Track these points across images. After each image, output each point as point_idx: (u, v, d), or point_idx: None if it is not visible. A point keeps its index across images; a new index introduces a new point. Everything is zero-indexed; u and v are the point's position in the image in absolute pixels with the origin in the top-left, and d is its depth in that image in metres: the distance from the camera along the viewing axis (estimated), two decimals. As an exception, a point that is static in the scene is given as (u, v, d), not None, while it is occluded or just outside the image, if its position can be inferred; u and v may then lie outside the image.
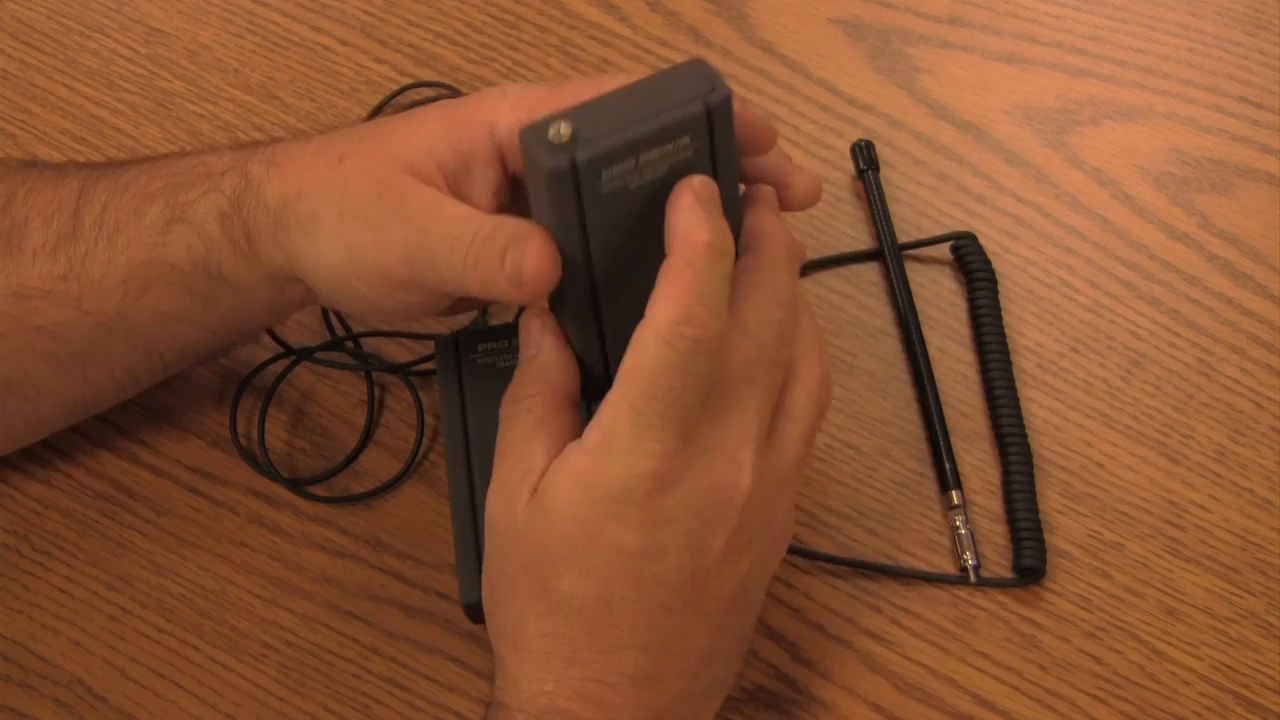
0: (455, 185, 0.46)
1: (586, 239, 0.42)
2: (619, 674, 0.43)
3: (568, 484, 0.42)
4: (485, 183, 0.46)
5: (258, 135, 0.64)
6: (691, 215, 0.41)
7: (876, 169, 0.61)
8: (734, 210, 0.46)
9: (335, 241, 0.47)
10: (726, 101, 0.42)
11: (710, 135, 0.43)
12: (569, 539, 0.42)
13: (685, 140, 0.42)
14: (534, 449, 0.44)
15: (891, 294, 0.59)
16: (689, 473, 0.42)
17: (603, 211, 0.42)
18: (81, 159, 0.64)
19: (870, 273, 0.60)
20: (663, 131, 0.41)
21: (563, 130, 0.40)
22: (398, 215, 0.45)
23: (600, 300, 0.44)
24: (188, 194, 0.49)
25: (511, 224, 0.43)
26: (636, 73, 0.47)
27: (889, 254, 0.59)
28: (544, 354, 0.45)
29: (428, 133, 0.47)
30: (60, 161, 0.53)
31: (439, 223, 0.44)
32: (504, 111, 0.46)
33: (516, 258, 0.41)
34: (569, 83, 0.47)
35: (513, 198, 0.47)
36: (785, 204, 0.48)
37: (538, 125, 0.40)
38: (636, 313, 0.42)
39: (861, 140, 0.62)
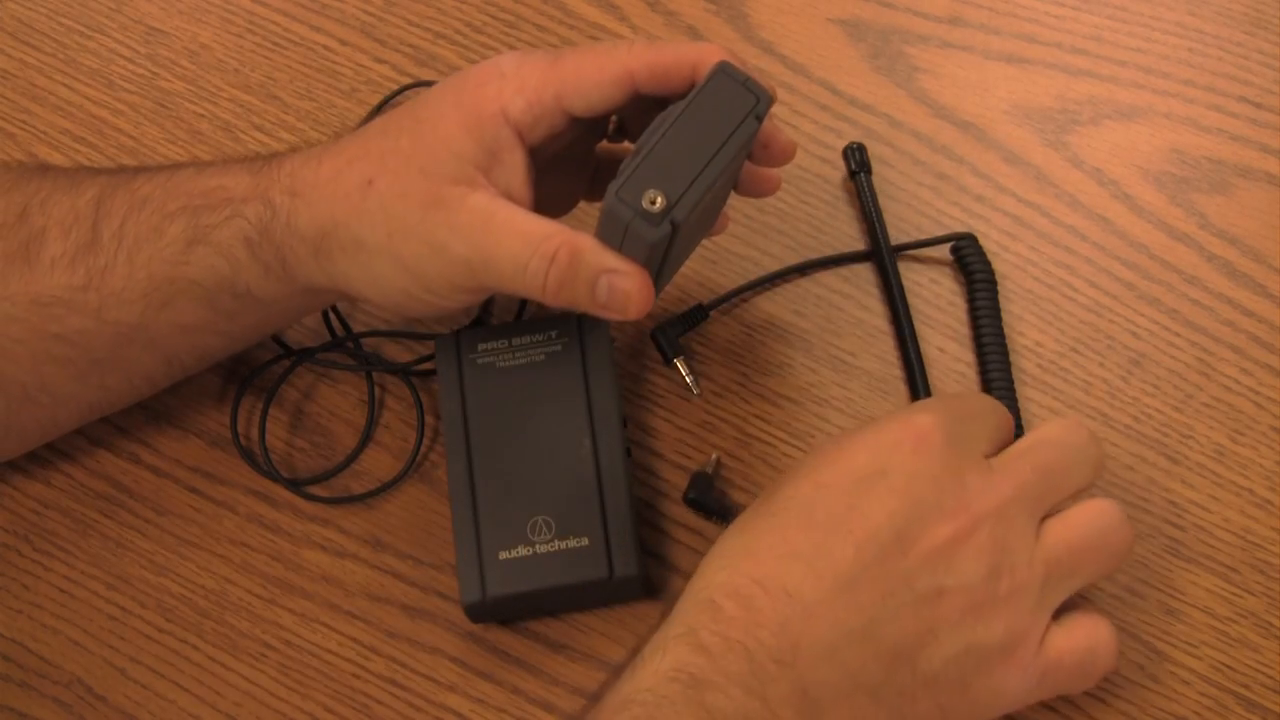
0: (490, 176, 0.48)
1: (666, 259, 0.47)
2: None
3: None
4: (515, 166, 0.48)
5: (258, 135, 0.64)
6: None
7: (869, 171, 0.61)
8: (731, 182, 0.51)
9: (391, 263, 0.48)
10: (770, 102, 0.46)
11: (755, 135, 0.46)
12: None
13: (744, 155, 0.46)
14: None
15: (888, 294, 0.59)
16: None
17: (680, 236, 0.46)
18: (82, 159, 0.64)
19: (869, 273, 0.60)
20: (731, 161, 0.45)
21: (658, 201, 0.44)
22: (453, 232, 0.47)
23: (663, 275, 0.50)
24: (209, 218, 0.49)
25: (588, 251, 0.46)
26: (633, 41, 0.48)
27: (884, 256, 0.59)
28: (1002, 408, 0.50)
29: (450, 138, 0.47)
30: (71, 167, 0.54)
31: (499, 243, 0.47)
32: (510, 96, 0.47)
33: (608, 290, 0.46)
34: (565, 58, 0.48)
35: (534, 165, 0.50)
36: (767, 160, 0.50)
37: (628, 196, 0.44)
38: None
39: (853, 143, 0.62)
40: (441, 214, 0.47)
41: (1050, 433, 0.48)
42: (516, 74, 0.48)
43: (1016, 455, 0.47)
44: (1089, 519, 0.47)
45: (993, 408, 0.49)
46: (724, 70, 0.45)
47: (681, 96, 0.46)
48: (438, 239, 0.47)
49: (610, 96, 0.48)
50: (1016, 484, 0.46)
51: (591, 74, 0.47)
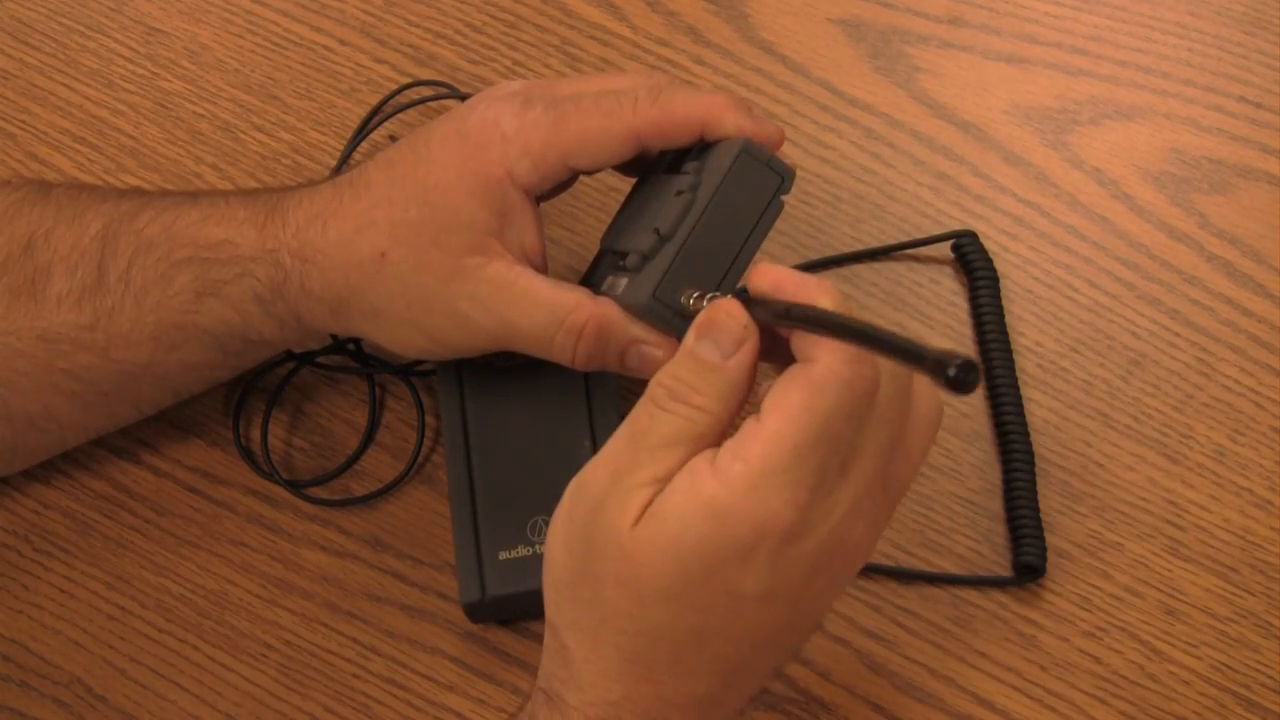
0: (503, 238, 0.48)
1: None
2: (688, 696, 0.41)
3: (697, 515, 0.38)
4: (527, 224, 0.48)
5: (258, 135, 0.64)
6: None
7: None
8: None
9: (411, 329, 0.49)
10: (793, 178, 0.47)
11: None
12: (682, 574, 0.39)
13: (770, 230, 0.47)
14: (672, 459, 0.40)
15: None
16: (819, 524, 0.39)
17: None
18: (81, 159, 0.64)
19: (870, 273, 0.60)
20: (760, 241, 0.46)
21: (693, 300, 0.45)
22: (474, 303, 0.47)
23: None
24: (218, 273, 0.49)
25: (615, 323, 0.47)
26: (637, 71, 0.49)
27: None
28: (737, 366, 0.40)
29: (460, 207, 0.47)
30: (72, 188, 0.52)
31: (523, 314, 0.47)
32: (515, 159, 0.48)
33: (639, 358, 0.47)
34: (569, 119, 0.48)
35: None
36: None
37: (665, 297, 0.45)
38: None
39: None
40: (461, 286, 0.47)
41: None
42: (519, 136, 0.48)
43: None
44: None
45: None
46: (747, 151, 0.46)
47: (696, 157, 0.47)
48: (459, 310, 0.48)
49: (616, 154, 0.48)
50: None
51: (596, 135, 0.47)
